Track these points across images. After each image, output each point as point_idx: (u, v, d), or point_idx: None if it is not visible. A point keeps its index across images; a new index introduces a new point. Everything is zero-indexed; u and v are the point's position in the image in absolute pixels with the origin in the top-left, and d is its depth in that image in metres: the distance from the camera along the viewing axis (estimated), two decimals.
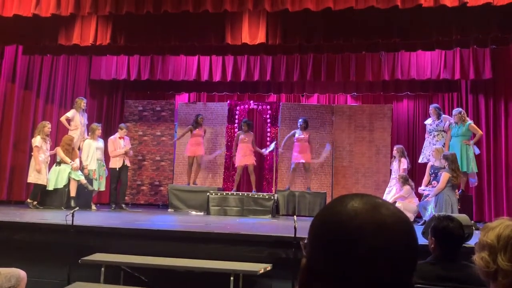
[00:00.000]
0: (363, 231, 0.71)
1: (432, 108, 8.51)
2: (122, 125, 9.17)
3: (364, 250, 0.70)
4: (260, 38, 6.94)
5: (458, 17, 6.58)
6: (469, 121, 7.90)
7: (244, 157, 9.11)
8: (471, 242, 3.90)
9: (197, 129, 9.24)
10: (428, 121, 8.53)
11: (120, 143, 8.77)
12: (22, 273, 3.92)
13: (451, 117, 8.09)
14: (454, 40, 7.17)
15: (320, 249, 0.74)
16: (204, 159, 9.59)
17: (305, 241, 0.84)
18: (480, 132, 7.94)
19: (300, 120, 9.16)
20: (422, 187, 7.71)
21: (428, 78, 8.81)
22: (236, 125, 10.11)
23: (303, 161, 8.99)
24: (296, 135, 9.14)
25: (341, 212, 0.74)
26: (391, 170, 8.55)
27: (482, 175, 8.50)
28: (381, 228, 0.72)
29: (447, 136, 8.08)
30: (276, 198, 8.34)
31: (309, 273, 0.75)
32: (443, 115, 8.44)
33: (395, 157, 8.44)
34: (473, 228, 5.08)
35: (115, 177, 8.71)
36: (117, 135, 8.87)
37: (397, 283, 0.71)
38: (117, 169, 8.67)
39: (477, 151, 7.98)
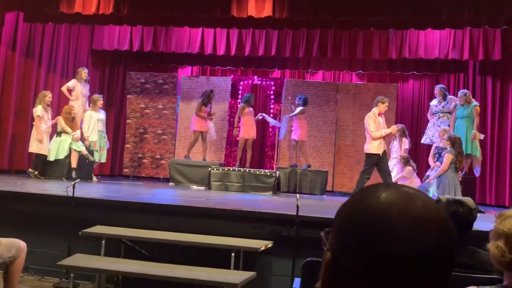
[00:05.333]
0: (398, 226, 0.64)
1: (437, 88, 8.38)
2: (382, 97, 7.25)
3: (399, 246, 0.63)
4: (267, 11, 6.79)
5: None
6: (475, 103, 7.79)
7: (250, 127, 9.04)
8: (475, 226, 3.85)
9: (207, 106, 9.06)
10: (433, 102, 8.41)
11: (380, 120, 6.98)
12: (22, 244, 3.91)
13: (457, 98, 7.98)
14: (465, 19, 7.00)
15: (349, 244, 0.67)
16: (211, 136, 9.46)
17: (326, 230, 0.77)
18: (478, 118, 7.79)
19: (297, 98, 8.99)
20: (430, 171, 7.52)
21: (436, 57, 8.63)
22: (239, 100, 9.98)
23: (304, 139, 8.92)
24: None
25: (373, 204, 0.67)
26: (390, 149, 8.46)
27: (485, 157, 8.42)
28: (418, 223, 0.65)
29: (451, 118, 7.97)
30: (277, 175, 8.29)
31: (334, 268, 0.68)
32: (449, 96, 8.31)
33: (395, 136, 8.34)
34: (477, 212, 5.04)
35: (374, 165, 6.90)
36: (375, 110, 7.01)
37: (435, 283, 0.65)
38: (380, 155, 6.93)
39: (481, 136, 7.89)
